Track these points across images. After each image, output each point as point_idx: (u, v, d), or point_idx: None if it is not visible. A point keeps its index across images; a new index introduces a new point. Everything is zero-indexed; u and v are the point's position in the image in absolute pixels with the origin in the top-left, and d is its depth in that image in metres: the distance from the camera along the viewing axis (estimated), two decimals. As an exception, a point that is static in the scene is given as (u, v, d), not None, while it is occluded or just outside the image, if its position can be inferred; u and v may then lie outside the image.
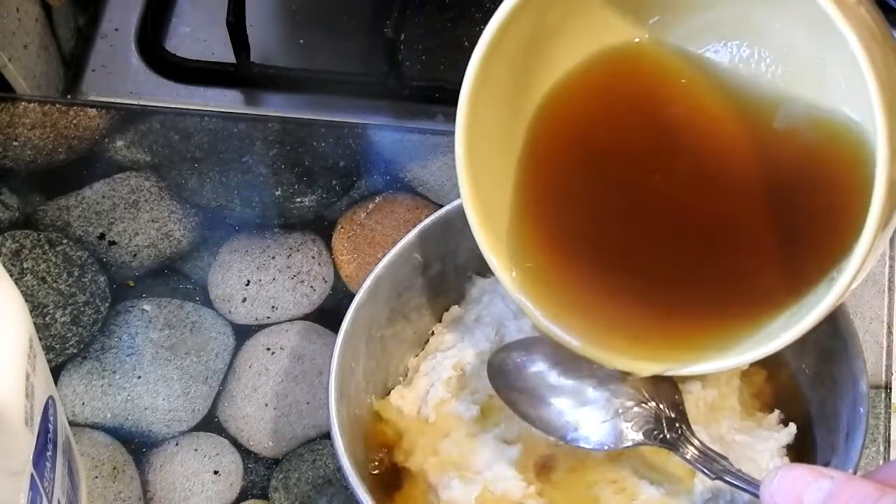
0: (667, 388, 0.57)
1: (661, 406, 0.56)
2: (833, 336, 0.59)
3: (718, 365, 0.53)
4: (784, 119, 0.53)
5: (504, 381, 0.58)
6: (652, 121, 0.56)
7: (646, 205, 0.56)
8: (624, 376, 0.56)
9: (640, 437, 0.56)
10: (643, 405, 0.56)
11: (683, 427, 0.56)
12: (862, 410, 0.57)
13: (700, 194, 0.55)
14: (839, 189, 0.51)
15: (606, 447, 0.56)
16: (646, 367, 0.55)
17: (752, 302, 0.53)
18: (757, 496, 0.50)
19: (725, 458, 0.55)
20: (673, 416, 0.56)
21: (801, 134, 0.53)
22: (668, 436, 0.56)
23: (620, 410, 0.56)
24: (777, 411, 0.61)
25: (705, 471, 0.55)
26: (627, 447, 0.56)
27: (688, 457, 0.55)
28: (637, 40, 0.55)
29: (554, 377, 0.58)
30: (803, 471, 0.47)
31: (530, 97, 0.56)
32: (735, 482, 0.54)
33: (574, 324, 0.56)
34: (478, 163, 0.55)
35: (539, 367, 0.58)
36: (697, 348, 0.54)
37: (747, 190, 0.54)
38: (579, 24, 0.55)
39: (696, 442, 0.56)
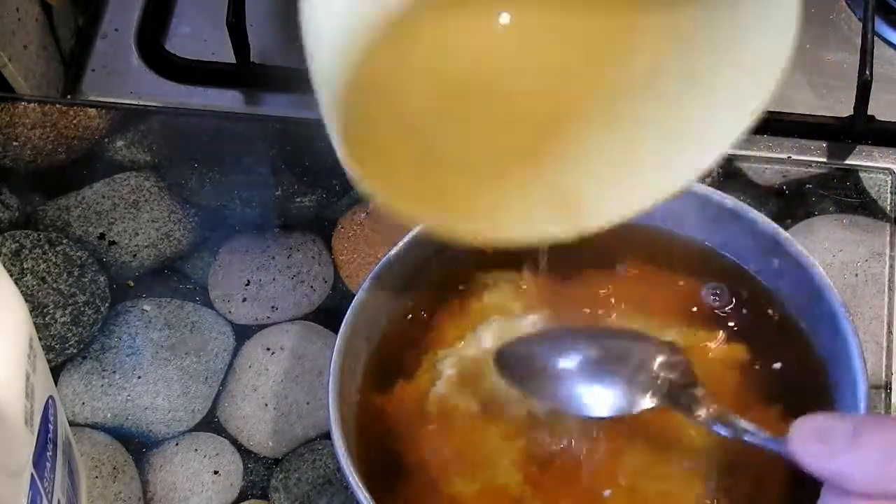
0: (679, 356, 0.57)
1: (673, 373, 0.56)
2: (833, 336, 0.59)
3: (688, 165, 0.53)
4: None
5: (513, 370, 0.59)
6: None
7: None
8: (635, 343, 0.57)
9: (653, 401, 0.56)
10: (655, 371, 0.56)
11: (696, 391, 0.56)
12: (862, 410, 0.57)
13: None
14: None
15: (620, 412, 0.56)
16: (588, 218, 0.54)
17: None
18: (780, 452, 0.50)
19: (742, 419, 0.55)
20: (685, 381, 0.56)
21: None
22: (681, 400, 0.56)
23: (633, 378, 0.56)
24: (776, 406, 0.61)
25: (723, 432, 0.54)
26: (642, 410, 0.56)
27: (703, 419, 0.55)
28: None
29: (564, 357, 0.58)
30: (825, 416, 0.49)
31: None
32: (756, 440, 0.53)
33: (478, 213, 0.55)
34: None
35: (547, 351, 0.58)
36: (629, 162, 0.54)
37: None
38: None
39: (711, 405, 0.55)
